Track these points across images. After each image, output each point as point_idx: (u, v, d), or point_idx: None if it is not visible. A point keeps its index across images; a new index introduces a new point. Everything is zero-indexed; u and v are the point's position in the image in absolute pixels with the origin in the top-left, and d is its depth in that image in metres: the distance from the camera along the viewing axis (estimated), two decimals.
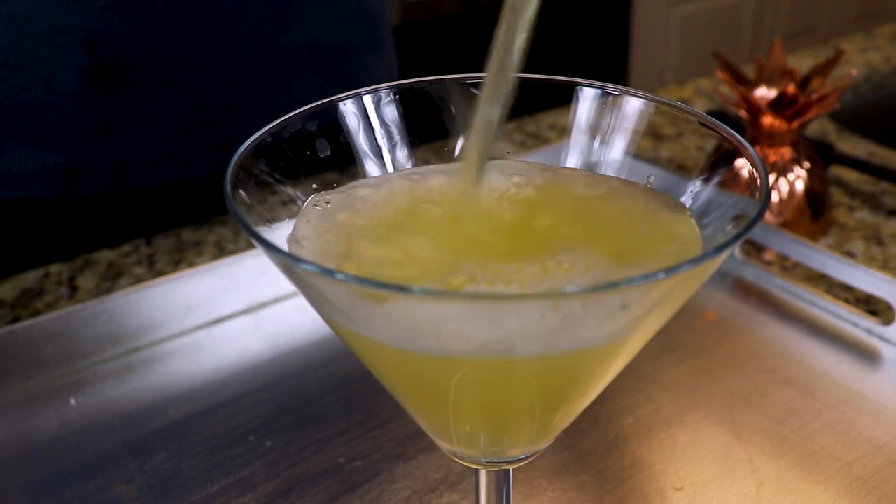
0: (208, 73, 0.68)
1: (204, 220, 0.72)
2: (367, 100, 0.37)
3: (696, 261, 0.25)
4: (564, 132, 0.38)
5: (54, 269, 0.65)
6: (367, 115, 0.37)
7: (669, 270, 0.25)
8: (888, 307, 0.55)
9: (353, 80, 0.75)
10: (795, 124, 0.66)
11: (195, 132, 0.70)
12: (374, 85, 0.37)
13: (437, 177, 0.36)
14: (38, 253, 0.67)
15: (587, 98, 0.37)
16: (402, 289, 0.24)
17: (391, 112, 0.37)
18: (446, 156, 0.37)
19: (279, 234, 0.32)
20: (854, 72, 0.75)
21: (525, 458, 0.34)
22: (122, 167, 0.68)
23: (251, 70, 0.70)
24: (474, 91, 0.36)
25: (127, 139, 0.67)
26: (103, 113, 0.65)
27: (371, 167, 0.37)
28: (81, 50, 0.62)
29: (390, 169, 0.37)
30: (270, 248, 0.26)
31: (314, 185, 0.35)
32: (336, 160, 0.36)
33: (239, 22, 0.67)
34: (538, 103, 0.38)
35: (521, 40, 0.30)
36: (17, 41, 0.61)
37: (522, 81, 0.37)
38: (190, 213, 0.71)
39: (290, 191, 0.34)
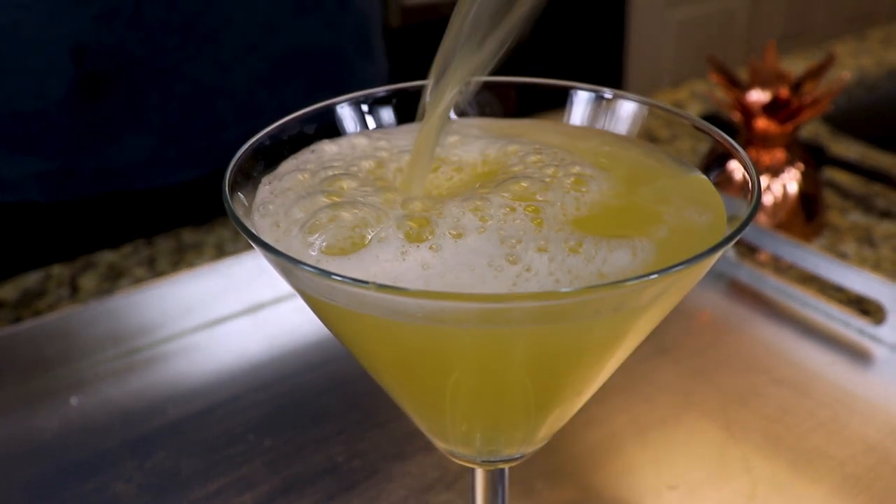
0: (194, 81, 0.69)
1: (204, 222, 0.72)
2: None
3: (689, 261, 0.26)
4: None
5: (56, 270, 0.66)
6: (364, 118, 0.37)
7: (662, 271, 0.25)
8: (879, 307, 0.56)
9: (341, 85, 0.75)
10: (789, 127, 0.66)
11: (182, 138, 0.71)
12: (363, 89, 0.37)
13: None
14: (40, 254, 0.67)
15: (582, 101, 0.37)
16: (398, 289, 0.25)
17: (387, 115, 0.38)
18: None
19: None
20: (847, 75, 0.76)
21: (520, 458, 0.35)
22: (111, 172, 0.69)
23: (237, 76, 0.71)
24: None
25: (115, 145, 0.68)
26: (92, 120, 0.67)
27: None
28: (70, 59, 0.63)
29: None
30: (267, 248, 0.27)
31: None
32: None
33: (224, 30, 0.68)
34: (534, 107, 0.39)
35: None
36: (7, 50, 0.62)
37: (518, 85, 0.38)
38: (190, 215, 0.72)
39: None
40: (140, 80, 0.67)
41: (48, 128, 0.65)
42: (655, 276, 0.25)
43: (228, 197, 0.30)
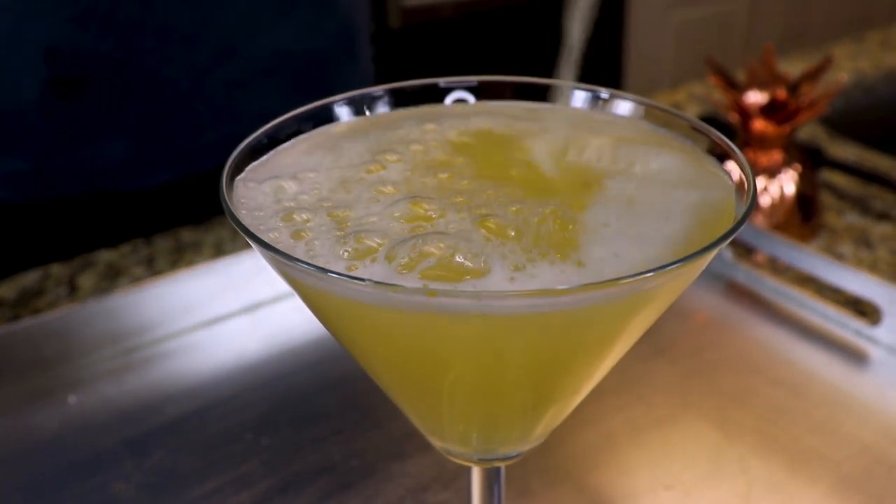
0: (171, 84, 0.69)
1: (202, 221, 0.72)
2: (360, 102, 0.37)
3: (684, 260, 0.26)
4: None
5: (54, 269, 0.66)
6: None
7: (657, 269, 0.25)
8: (876, 308, 0.56)
9: (323, 88, 0.76)
10: (786, 129, 0.67)
11: (159, 140, 0.71)
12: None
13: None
14: (39, 253, 0.67)
15: (579, 101, 0.38)
16: (395, 287, 0.25)
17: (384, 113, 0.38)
18: None
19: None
20: (844, 77, 0.76)
21: (517, 456, 0.35)
22: (87, 173, 0.70)
23: (215, 80, 0.71)
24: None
25: (91, 147, 0.69)
26: (67, 121, 0.67)
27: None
28: (43, 61, 0.64)
29: None
30: (264, 245, 0.27)
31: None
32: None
33: (202, 33, 0.69)
34: None
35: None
36: None
37: (516, 85, 0.38)
38: (188, 214, 0.72)
39: None
40: (116, 82, 0.67)
41: (24, 128, 0.66)
42: (651, 273, 0.25)
43: (226, 196, 0.30)
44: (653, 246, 0.28)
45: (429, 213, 0.29)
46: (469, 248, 0.27)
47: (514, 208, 0.30)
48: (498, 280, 0.26)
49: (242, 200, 0.31)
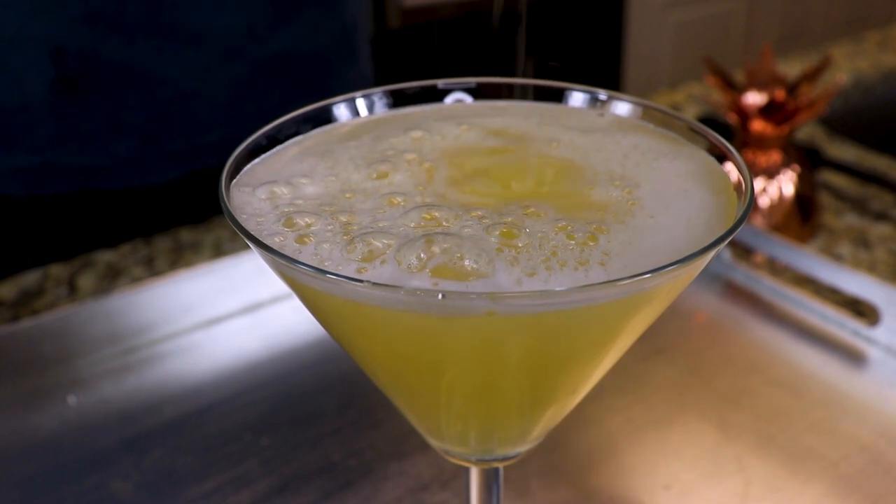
0: (174, 84, 0.70)
1: (202, 221, 0.72)
2: (360, 103, 0.37)
3: (682, 261, 0.26)
4: None
5: (54, 269, 0.66)
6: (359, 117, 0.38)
7: (655, 270, 0.25)
8: (874, 309, 0.56)
9: (324, 89, 0.76)
10: (785, 129, 0.67)
11: (161, 140, 0.72)
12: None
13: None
14: (38, 253, 0.68)
15: (577, 102, 0.38)
16: (394, 287, 0.25)
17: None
18: None
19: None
20: (842, 77, 0.76)
21: (515, 456, 0.35)
22: (89, 171, 0.70)
23: (218, 80, 0.71)
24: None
25: (94, 144, 0.69)
26: (71, 119, 0.68)
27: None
28: (49, 59, 0.64)
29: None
30: (263, 247, 0.27)
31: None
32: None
33: (205, 34, 0.69)
34: None
35: None
36: None
37: (515, 86, 0.38)
38: (188, 214, 0.73)
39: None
40: (120, 81, 0.68)
41: (28, 124, 0.66)
42: (648, 275, 0.25)
43: (225, 197, 0.30)
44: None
45: (435, 216, 0.29)
46: (478, 250, 0.27)
47: (530, 210, 0.30)
48: (504, 280, 0.26)
49: (237, 205, 0.31)
